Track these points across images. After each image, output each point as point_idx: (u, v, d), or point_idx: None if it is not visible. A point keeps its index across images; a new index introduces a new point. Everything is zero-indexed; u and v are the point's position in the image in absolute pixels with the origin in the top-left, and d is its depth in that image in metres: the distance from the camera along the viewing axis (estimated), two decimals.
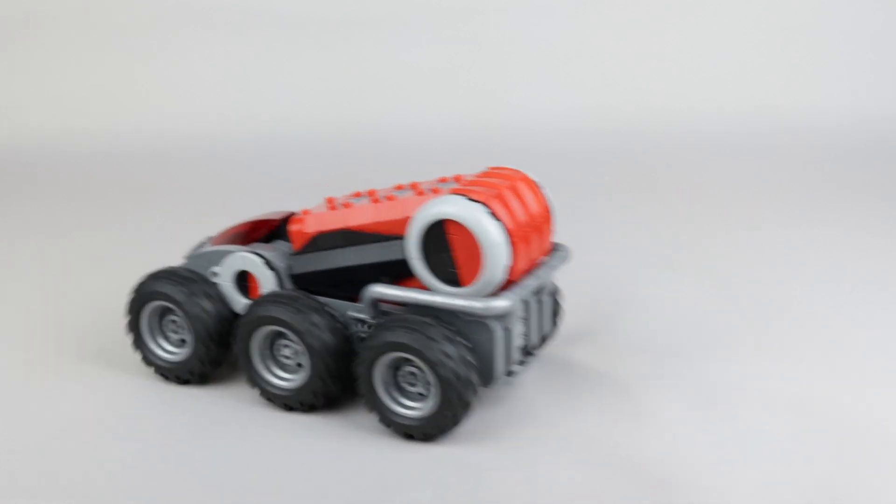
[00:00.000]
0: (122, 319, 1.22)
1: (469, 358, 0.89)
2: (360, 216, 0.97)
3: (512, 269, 0.90)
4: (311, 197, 1.80)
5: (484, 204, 0.89)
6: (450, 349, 0.88)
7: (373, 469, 0.88)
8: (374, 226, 0.96)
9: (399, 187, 1.01)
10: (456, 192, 0.91)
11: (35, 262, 1.46)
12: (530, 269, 0.96)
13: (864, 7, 2.38)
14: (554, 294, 1.06)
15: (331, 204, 1.01)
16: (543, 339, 1.04)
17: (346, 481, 0.86)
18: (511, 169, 0.98)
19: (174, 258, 1.46)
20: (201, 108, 2.25)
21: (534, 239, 0.94)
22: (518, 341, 0.96)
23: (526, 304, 0.97)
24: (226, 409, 1.00)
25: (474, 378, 0.89)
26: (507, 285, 0.91)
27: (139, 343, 1.06)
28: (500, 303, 0.89)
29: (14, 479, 0.87)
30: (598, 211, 1.69)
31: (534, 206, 0.95)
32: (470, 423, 0.96)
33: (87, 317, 1.24)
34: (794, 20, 2.38)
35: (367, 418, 0.96)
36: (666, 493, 0.85)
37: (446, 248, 0.90)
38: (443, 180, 1.00)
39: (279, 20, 2.32)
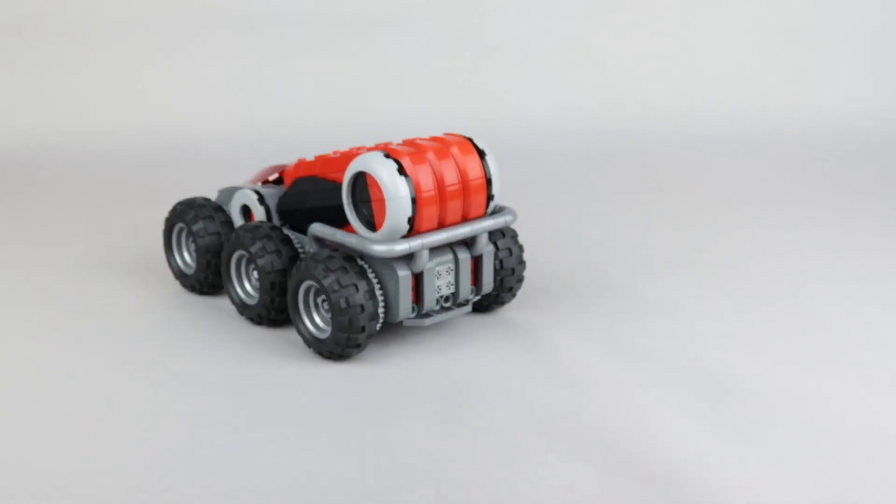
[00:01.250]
0: (126, 320, 1.22)
1: (362, 288, 1.03)
2: (325, 165, 1.14)
3: (419, 221, 1.03)
4: None
5: (397, 160, 1.03)
6: (344, 279, 1.03)
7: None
8: (331, 175, 1.13)
9: (372, 147, 1.14)
10: (379, 149, 1.06)
11: (34, 262, 1.46)
12: (450, 225, 1.07)
13: (864, 7, 2.38)
14: (503, 256, 1.16)
15: (320, 155, 1.17)
16: (478, 294, 1.15)
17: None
18: (457, 135, 1.10)
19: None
20: (202, 109, 2.25)
21: (454, 197, 1.06)
22: (443, 290, 1.10)
23: (455, 258, 1.10)
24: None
25: (367, 306, 1.03)
26: (418, 234, 1.04)
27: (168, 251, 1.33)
28: (397, 247, 1.02)
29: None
30: (597, 211, 1.69)
31: (465, 170, 1.07)
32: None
33: (88, 317, 1.25)
34: (794, 20, 2.38)
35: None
36: (666, 492, 0.85)
37: (366, 198, 1.05)
38: (404, 142, 1.11)
39: (279, 20, 2.32)
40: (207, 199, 1.28)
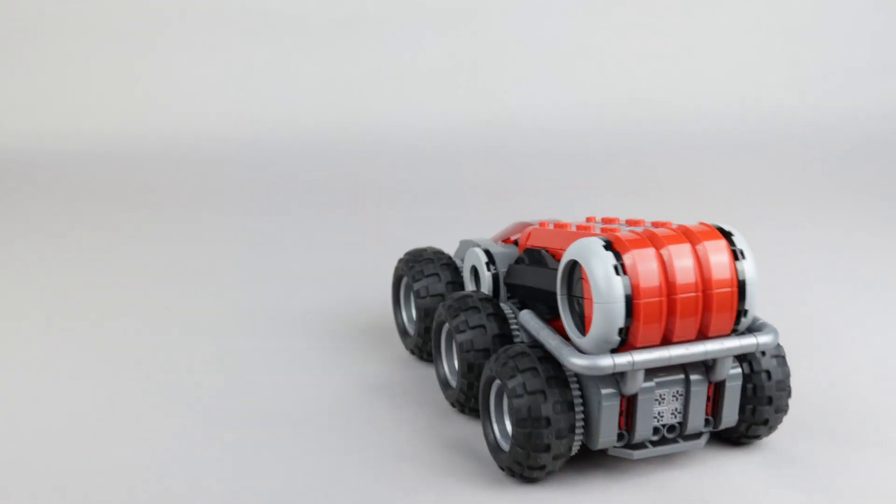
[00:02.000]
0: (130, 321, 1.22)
1: (553, 398, 0.83)
2: (556, 239, 0.95)
3: (634, 334, 0.81)
4: (310, 197, 1.80)
5: (617, 252, 0.81)
6: (532, 384, 0.83)
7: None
8: (555, 252, 0.94)
9: (611, 220, 0.98)
10: (602, 234, 0.85)
11: (34, 262, 1.46)
12: (680, 342, 0.83)
13: (864, 7, 2.38)
14: (757, 381, 0.90)
15: (558, 224, 0.99)
16: (716, 427, 0.89)
17: None
18: (707, 226, 0.86)
19: (174, 258, 1.46)
20: (202, 109, 2.24)
21: (690, 310, 0.82)
22: (665, 418, 0.87)
23: (686, 381, 0.86)
24: None
25: (556, 420, 0.83)
26: (634, 349, 0.82)
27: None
28: (601, 362, 0.80)
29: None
30: (597, 211, 1.69)
31: (710, 273, 0.82)
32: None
33: (88, 317, 1.25)
34: (794, 20, 2.38)
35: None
36: (666, 491, 0.85)
37: (579, 293, 0.84)
38: (638, 223, 0.92)
39: (279, 20, 2.32)
40: (439, 253, 1.11)
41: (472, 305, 0.96)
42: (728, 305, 0.83)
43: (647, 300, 0.80)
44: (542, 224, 1.01)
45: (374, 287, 1.31)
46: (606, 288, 0.80)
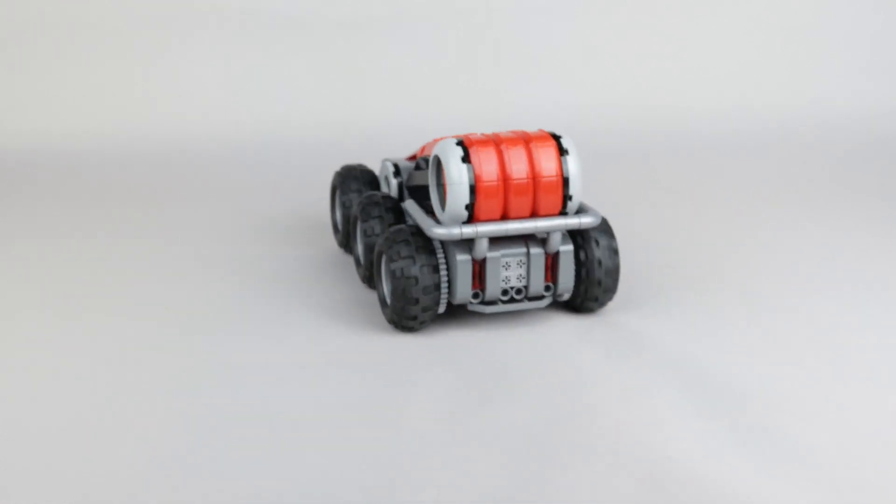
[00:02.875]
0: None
1: (420, 262, 1.07)
2: (433, 147, 1.17)
3: (478, 210, 1.06)
4: (310, 198, 1.80)
5: (466, 147, 1.06)
6: (404, 251, 1.08)
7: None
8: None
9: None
10: (458, 136, 1.09)
11: (34, 262, 1.46)
12: (516, 218, 1.07)
13: (865, 6, 2.38)
14: (585, 260, 1.14)
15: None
16: (555, 293, 1.14)
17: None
18: (544, 132, 1.09)
19: (174, 258, 1.46)
20: (201, 109, 2.25)
21: (520, 191, 1.06)
22: (512, 281, 1.11)
23: (527, 252, 1.10)
24: None
25: (423, 279, 1.07)
26: (479, 222, 1.06)
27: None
28: (453, 230, 1.05)
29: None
30: (598, 211, 1.69)
31: (538, 165, 1.06)
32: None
33: (87, 317, 1.25)
34: (794, 20, 2.38)
35: None
36: (665, 492, 0.85)
37: (441, 181, 1.09)
38: (496, 133, 1.13)
39: (279, 20, 2.32)
40: (364, 170, 1.41)
41: (375, 201, 1.24)
42: (553, 190, 1.07)
43: (486, 183, 1.05)
44: (435, 140, 1.22)
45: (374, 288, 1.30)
46: (456, 174, 1.05)
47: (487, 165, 1.05)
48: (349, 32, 2.33)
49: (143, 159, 2.06)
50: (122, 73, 2.29)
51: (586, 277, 1.14)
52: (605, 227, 1.15)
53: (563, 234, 1.11)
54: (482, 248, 1.08)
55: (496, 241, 1.10)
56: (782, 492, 0.85)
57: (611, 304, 1.26)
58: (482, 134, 1.11)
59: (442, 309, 1.12)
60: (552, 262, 1.12)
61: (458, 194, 1.05)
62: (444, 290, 1.10)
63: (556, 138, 1.09)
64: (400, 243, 1.09)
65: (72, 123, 2.20)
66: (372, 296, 1.28)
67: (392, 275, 1.08)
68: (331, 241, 1.52)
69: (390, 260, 1.08)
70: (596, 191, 1.83)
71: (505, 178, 1.06)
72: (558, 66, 2.33)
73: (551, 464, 0.89)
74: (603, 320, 1.21)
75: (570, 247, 1.12)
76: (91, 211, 1.73)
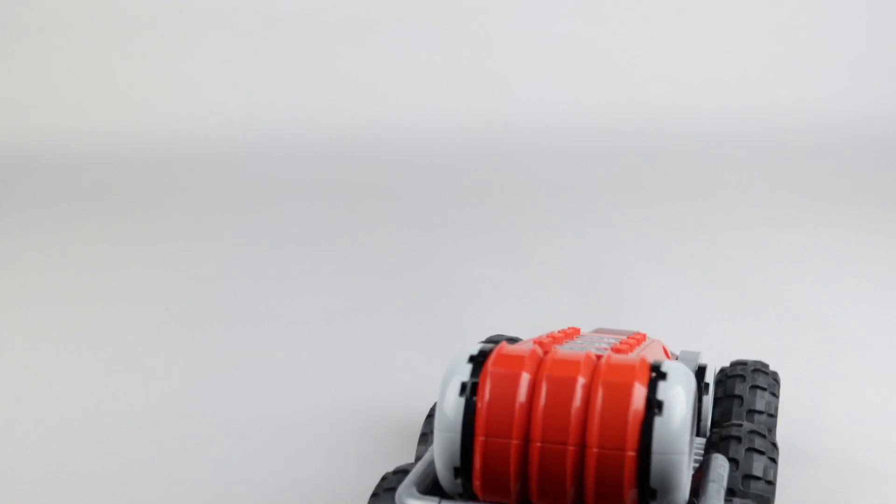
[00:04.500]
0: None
1: None
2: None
3: (476, 481, 0.58)
4: (310, 198, 1.80)
5: (478, 367, 0.59)
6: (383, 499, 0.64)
7: None
8: None
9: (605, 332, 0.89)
10: (488, 343, 0.69)
11: (34, 262, 1.46)
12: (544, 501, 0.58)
13: (866, 6, 2.38)
14: None
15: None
16: None
17: None
18: (643, 359, 0.59)
19: (174, 259, 1.46)
20: (201, 110, 2.25)
21: (554, 463, 0.56)
22: None
23: None
24: None
25: None
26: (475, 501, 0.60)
27: None
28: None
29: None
30: (598, 211, 1.69)
31: (596, 420, 0.55)
32: None
33: (88, 316, 1.25)
34: (795, 20, 2.38)
35: None
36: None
37: None
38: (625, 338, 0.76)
39: (279, 20, 2.32)
40: None
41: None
42: (614, 474, 0.55)
43: (490, 437, 0.56)
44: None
45: (375, 288, 1.31)
46: (445, 411, 0.58)
47: (501, 406, 0.57)
48: (349, 32, 2.33)
49: (142, 160, 2.06)
50: (122, 74, 2.28)
51: None
52: None
53: None
54: None
55: None
56: (782, 492, 0.85)
57: (613, 308, 1.25)
58: (569, 341, 0.70)
59: None
60: None
61: (444, 448, 0.58)
62: None
63: (657, 377, 0.56)
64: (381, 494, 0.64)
65: (71, 123, 2.20)
66: None
67: None
68: None
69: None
70: (595, 191, 1.83)
71: (530, 436, 0.56)
72: (557, 66, 2.33)
73: None
74: (598, 322, 1.21)
75: None
76: (90, 211, 1.73)
